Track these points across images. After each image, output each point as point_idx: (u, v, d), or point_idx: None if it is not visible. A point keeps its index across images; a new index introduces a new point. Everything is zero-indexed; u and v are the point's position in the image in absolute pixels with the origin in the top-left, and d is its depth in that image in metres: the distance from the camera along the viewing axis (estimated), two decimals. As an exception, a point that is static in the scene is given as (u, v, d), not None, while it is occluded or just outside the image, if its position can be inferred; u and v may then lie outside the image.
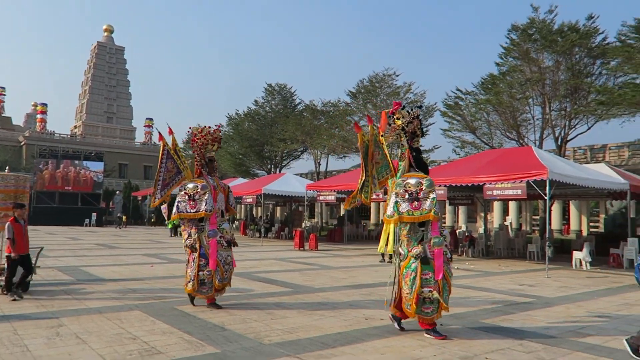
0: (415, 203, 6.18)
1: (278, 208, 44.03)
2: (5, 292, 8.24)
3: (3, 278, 8.44)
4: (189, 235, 7.64)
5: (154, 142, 77.74)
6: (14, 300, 7.92)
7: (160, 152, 8.40)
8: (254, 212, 48.13)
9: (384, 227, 6.52)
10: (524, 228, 36.25)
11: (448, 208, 40.99)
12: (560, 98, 24.54)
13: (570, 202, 34.33)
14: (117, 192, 52.78)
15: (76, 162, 45.14)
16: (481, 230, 25.23)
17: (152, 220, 45.42)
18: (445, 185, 16.37)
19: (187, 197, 7.65)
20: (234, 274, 11.80)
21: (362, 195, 6.89)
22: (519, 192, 14.08)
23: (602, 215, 33.48)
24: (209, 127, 8.21)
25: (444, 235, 6.33)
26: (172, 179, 8.42)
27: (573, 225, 36.19)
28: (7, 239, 8.21)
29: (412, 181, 6.32)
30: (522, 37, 24.97)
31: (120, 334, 5.97)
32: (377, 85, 33.68)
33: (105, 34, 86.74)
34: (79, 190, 44.35)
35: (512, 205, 37.81)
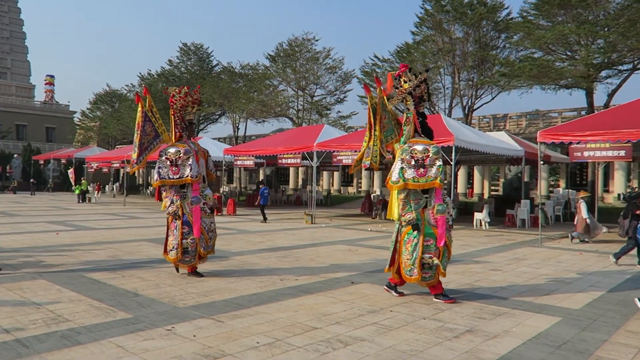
0: (421, 170, 6.09)
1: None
2: None
3: None
4: (172, 202, 7.31)
5: (57, 102, 71.89)
6: None
7: (139, 114, 7.73)
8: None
9: (391, 193, 6.51)
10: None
11: (364, 173, 42.37)
12: (468, 69, 25.93)
13: (475, 167, 36.86)
14: (15, 155, 48.59)
15: (-35, 122, 40.77)
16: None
17: (50, 186, 42.52)
18: (357, 150, 16.85)
19: (168, 162, 7.28)
20: (149, 239, 11.55)
21: (372, 160, 6.69)
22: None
23: (502, 180, 36.32)
24: (188, 88, 7.77)
25: (447, 203, 6.33)
26: (150, 142, 7.85)
27: (476, 189, 39.02)
28: None
29: (418, 147, 6.21)
30: (435, 7, 25.85)
31: (22, 303, 5.70)
32: (297, 50, 33.45)
33: (-5, -22, 77.40)
34: (-30, 153, 40.27)
35: (423, 170, 39.77)
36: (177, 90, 7.72)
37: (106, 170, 37.21)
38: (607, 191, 33.76)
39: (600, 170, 25.32)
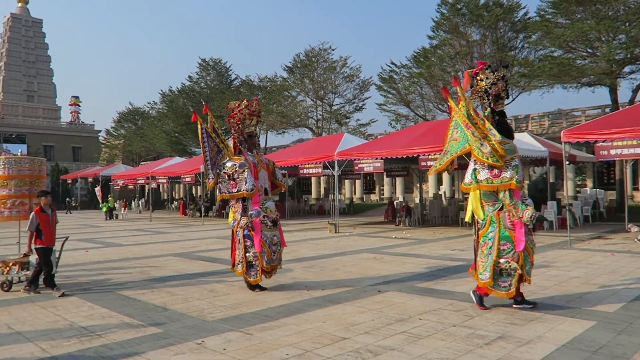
0: (496, 171, 5.84)
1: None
2: (27, 287, 7.60)
3: (29, 273, 7.82)
4: (241, 215, 7.32)
5: (82, 122, 73.73)
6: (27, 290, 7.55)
7: (200, 132, 7.80)
8: (194, 192, 47.22)
9: (470, 195, 6.23)
10: (457, 196, 38.05)
11: (386, 180, 42.21)
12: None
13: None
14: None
15: (-5, 145, 42.12)
16: (417, 200, 26.24)
17: (74, 204, 43.33)
18: (382, 158, 16.83)
19: (227, 176, 7.34)
20: (176, 253, 11.69)
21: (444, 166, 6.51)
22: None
23: (527, 182, 35.75)
24: (246, 101, 7.75)
25: (527, 204, 6.01)
26: (216, 157, 7.85)
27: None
28: (28, 230, 7.47)
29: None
30: (451, 11, 25.74)
31: (56, 322, 5.82)
32: (314, 60, 33.68)
33: (20, 4, 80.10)
34: (1, 175, 41.50)
35: (445, 175, 39.47)
36: (235, 104, 7.74)
37: (132, 187, 37.87)
38: (636, 189, 32.89)
39: (628, 168, 24.72)
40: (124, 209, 31.59)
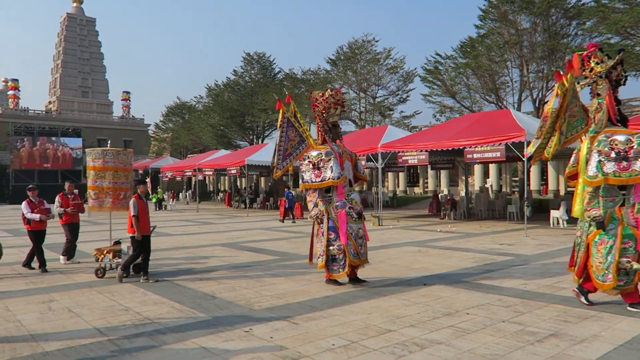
0: (624, 163, 5.42)
1: (262, 179, 44.04)
2: (125, 274, 7.77)
3: (120, 260, 8.10)
4: (315, 205, 7.15)
5: (133, 116, 76.36)
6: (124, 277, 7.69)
7: (280, 120, 7.55)
8: (238, 184, 48.10)
9: (577, 188, 5.94)
10: (504, 190, 37.02)
11: (430, 172, 41.54)
12: (537, 60, 24.73)
13: (549, 163, 35.07)
14: (98, 168, 52.00)
15: (53, 138, 44.26)
16: (462, 193, 25.70)
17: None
18: (426, 150, 16.58)
19: (311, 165, 7.11)
20: (223, 244, 11.95)
21: (544, 152, 6.12)
22: (498, 154, 14.36)
23: None
24: (331, 90, 7.55)
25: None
26: (294, 148, 7.66)
27: (551, 186, 37.07)
28: (133, 216, 7.72)
29: (620, 138, 5.50)
30: (500, -2, 24.87)
31: (112, 306, 6.10)
32: (357, 52, 33.44)
33: (75, 4, 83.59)
34: (59, 168, 43.65)
35: (492, 168, 38.46)
36: (319, 93, 7.56)
37: (179, 178, 38.97)
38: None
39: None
40: (172, 200, 32.58)
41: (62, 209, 9.43)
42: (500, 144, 14.22)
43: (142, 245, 7.78)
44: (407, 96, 34.30)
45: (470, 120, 17.77)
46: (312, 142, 7.57)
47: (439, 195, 24.50)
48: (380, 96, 34.46)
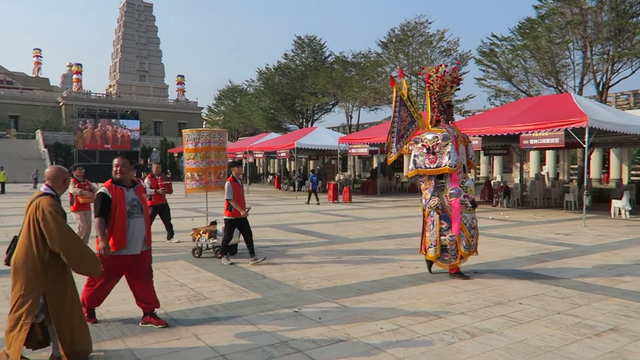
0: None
1: (311, 162, 44.32)
2: (219, 255, 7.82)
3: (216, 241, 8.09)
4: (432, 194, 6.65)
5: (187, 99, 78.47)
6: (231, 264, 7.51)
7: (394, 99, 6.97)
8: (288, 167, 48.64)
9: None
10: (561, 177, 35.49)
11: (483, 159, 40.39)
12: (602, 41, 23.31)
13: (611, 150, 33.25)
14: (154, 149, 54.06)
15: (113, 120, 46.29)
16: (517, 180, 24.88)
17: (168, 175, 45.88)
18: (479, 136, 16.10)
19: (425, 150, 6.59)
20: (272, 225, 12.14)
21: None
22: (557, 140, 13.73)
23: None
24: (445, 66, 6.96)
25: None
26: (406, 129, 7.07)
27: (613, 174, 35.16)
28: (226, 199, 7.56)
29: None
30: (563, -24, 23.55)
31: (168, 282, 6.37)
32: (409, 34, 32.74)
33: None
34: (118, 148, 45.66)
35: (549, 155, 36.89)
36: (433, 70, 6.91)
37: (230, 161, 39.86)
38: None
39: None
40: (224, 182, 33.43)
41: (153, 190, 9.42)
42: (559, 129, 13.60)
43: (239, 227, 7.61)
44: (461, 79, 33.34)
45: (527, 105, 17.07)
46: (422, 123, 6.94)
47: (492, 182, 23.81)
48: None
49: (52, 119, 62.43)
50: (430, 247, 6.69)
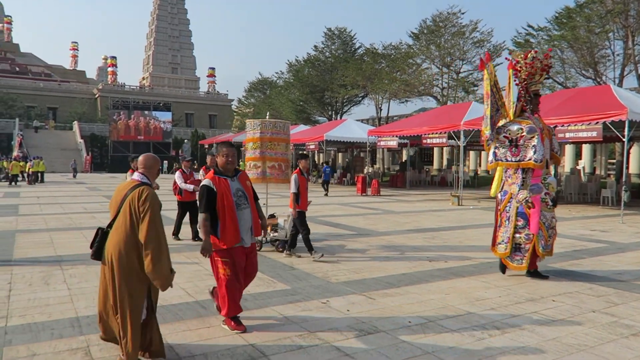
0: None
1: (340, 154, 44.27)
2: (280, 250, 7.78)
3: (276, 234, 7.95)
4: (520, 187, 6.21)
5: (218, 92, 79.35)
6: (288, 255, 7.46)
7: (488, 84, 6.35)
8: (316, 159, 48.72)
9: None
10: (597, 172, 34.39)
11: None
12: (646, 30, 22.41)
13: (652, 144, 32.00)
14: (185, 140, 54.98)
15: (146, 112, 47.28)
16: (551, 174, 24.23)
17: (195, 166, 46.58)
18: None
19: (507, 141, 6.26)
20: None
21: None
22: (595, 134, 13.30)
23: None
24: (535, 52, 6.52)
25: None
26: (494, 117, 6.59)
27: (654, 169, 33.87)
28: (292, 193, 7.38)
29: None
30: (604, -37, 22.70)
31: (198, 271, 6.48)
32: (441, 25, 32.17)
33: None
34: (150, 140, 46.69)
35: (585, 148, 35.76)
36: (522, 56, 6.47)
37: (301, 153, 40.19)
38: None
39: None
40: (253, 174, 33.71)
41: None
42: (597, 122, 13.17)
43: (301, 220, 7.44)
44: (551, 67, 32.60)
45: (563, 97, 16.58)
46: (507, 113, 6.46)
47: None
48: (464, 71, 33.07)
49: (88, 111, 64.19)
50: (500, 244, 6.37)
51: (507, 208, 6.32)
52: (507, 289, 5.74)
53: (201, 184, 4.21)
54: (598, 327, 4.43)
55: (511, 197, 6.29)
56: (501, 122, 6.39)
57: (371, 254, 7.84)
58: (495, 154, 6.38)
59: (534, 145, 6.05)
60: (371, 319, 4.57)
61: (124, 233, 3.31)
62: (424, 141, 19.65)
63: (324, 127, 28.75)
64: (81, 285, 5.69)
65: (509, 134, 6.25)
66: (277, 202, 13.98)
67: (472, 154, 42.63)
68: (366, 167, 31.15)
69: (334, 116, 42.72)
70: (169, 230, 9.86)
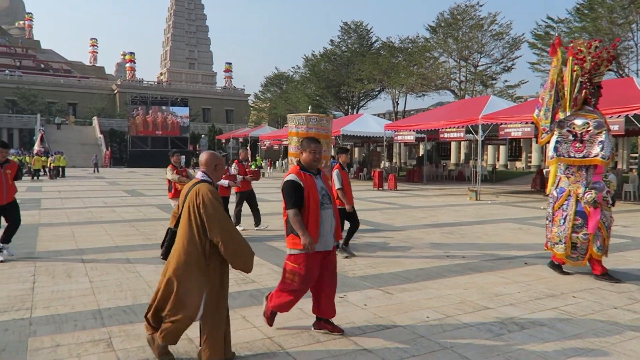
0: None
1: (356, 149, 44.16)
2: (343, 248, 7.32)
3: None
4: (585, 187, 5.91)
5: (234, 87, 79.70)
6: (346, 257, 7.05)
7: (556, 72, 6.09)
8: (333, 153, 48.72)
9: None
10: (619, 167, 33.72)
11: (535, 146, 38.97)
12: (671, 21, 21.87)
13: (677, 138, 31.28)
14: (202, 135, 55.40)
15: (163, 107, 47.73)
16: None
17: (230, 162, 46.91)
18: (532, 123, 15.49)
19: (571, 136, 5.94)
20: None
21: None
22: (617, 127, 13.02)
23: None
24: (599, 41, 6.26)
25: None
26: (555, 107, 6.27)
27: (679, 164, 33.11)
28: (338, 189, 7.10)
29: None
30: (628, -48, 22.17)
31: (217, 265, 6.54)
32: (459, 18, 31.80)
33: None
34: (168, 135, 47.15)
35: (607, 143, 35.05)
36: (585, 45, 6.08)
37: (276, 147, 40.33)
38: None
39: None
40: (270, 168, 33.87)
41: (241, 177, 9.29)
42: (619, 115, 12.91)
43: (349, 216, 7.20)
44: (513, 64, 32.17)
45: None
46: (565, 105, 6.10)
47: (544, 171, 22.95)
48: (482, 65, 32.70)
49: (108, 106, 65.06)
50: (558, 244, 6.07)
51: (564, 206, 6.01)
52: (527, 284, 5.68)
53: (287, 179, 3.95)
54: (620, 324, 4.36)
55: (569, 195, 6.00)
56: (560, 115, 6.07)
57: (388, 248, 7.82)
58: (556, 149, 6.01)
59: (601, 141, 5.74)
60: (389, 314, 4.57)
61: (183, 231, 3.33)
62: (441, 135, 19.49)
63: (341, 122, 28.68)
64: (102, 278, 5.79)
65: (573, 129, 5.90)
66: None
67: (490, 148, 42.14)
68: (383, 162, 31.02)
69: (350, 110, 42.62)
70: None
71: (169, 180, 8.44)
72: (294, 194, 3.86)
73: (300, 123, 8.41)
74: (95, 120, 55.71)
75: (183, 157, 8.75)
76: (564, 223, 6.00)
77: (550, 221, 6.23)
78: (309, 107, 10.02)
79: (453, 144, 45.71)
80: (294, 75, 50.62)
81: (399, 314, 4.57)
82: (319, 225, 3.88)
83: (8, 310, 4.60)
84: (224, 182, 8.70)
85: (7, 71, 66.13)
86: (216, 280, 3.37)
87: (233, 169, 9.31)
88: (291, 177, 3.94)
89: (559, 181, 6.18)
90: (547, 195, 6.43)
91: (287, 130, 34.27)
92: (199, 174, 3.54)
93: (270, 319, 4.14)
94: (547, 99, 6.12)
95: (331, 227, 3.99)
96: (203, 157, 3.56)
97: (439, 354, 3.68)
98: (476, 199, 16.38)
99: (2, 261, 6.53)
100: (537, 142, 6.38)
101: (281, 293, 4.00)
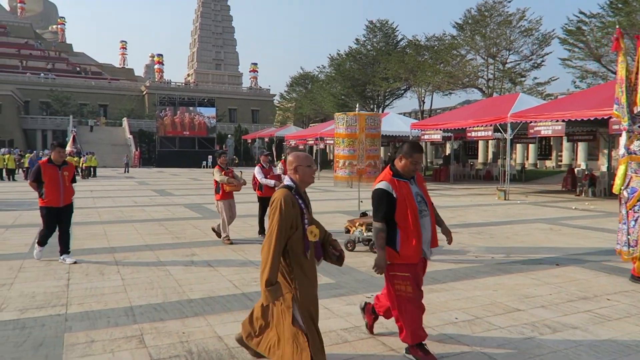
0: None
1: (382, 148, 43.94)
2: (375, 250, 7.54)
3: (371, 233, 7.35)
4: None
5: (260, 87, 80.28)
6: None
7: (624, 67, 5.93)
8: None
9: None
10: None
11: (565, 145, 38.08)
12: None
13: None
14: (229, 135, 56.00)
15: (190, 108, 48.43)
16: (603, 168, 23.26)
17: (237, 162, 46.82)
18: (563, 120, 15.16)
19: None
20: (343, 211, 12.19)
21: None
22: (653, 125, 12.61)
23: None
24: None
25: None
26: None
27: None
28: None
29: None
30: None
31: (245, 264, 6.61)
32: (487, 15, 31.25)
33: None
34: (195, 135, 47.83)
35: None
36: None
37: (302, 147, 40.48)
38: None
39: None
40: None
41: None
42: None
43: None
44: (542, 61, 31.42)
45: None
46: (636, 100, 5.84)
47: (575, 170, 22.41)
48: (511, 61, 32.05)
49: (137, 107, 66.44)
50: (631, 247, 5.77)
51: (636, 208, 5.68)
52: (558, 286, 5.56)
53: (377, 187, 3.58)
54: (657, 328, 4.23)
55: None
56: (635, 110, 5.79)
57: (415, 248, 7.75)
58: (627, 148, 5.73)
59: None
60: (416, 315, 4.53)
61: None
62: (469, 134, 19.21)
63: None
64: (134, 276, 5.92)
65: None
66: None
67: (518, 147, 41.35)
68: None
69: (375, 109, 42.41)
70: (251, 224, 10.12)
71: (216, 182, 8.18)
72: (383, 206, 3.50)
73: (354, 123, 8.03)
74: (125, 121, 56.94)
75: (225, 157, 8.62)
76: (636, 226, 5.66)
77: (624, 224, 5.84)
78: (357, 106, 9.66)
79: (480, 143, 44.98)
80: (319, 75, 50.67)
81: (427, 315, 4.51)
82: (421, 238, 3.53)
83: (45, 306, 4.76)
84: (270, 182, 8.48)
85: (41, 74, 68.31)
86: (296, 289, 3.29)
87: (278, 169, 9.02)
88: (382, 185, 3.55)
89: (629, 181, 5.78)
90: (618, 195, 6.00)
91: (312, 130, 34.30)
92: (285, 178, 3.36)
93: (424, 353, 3.58)
94: (621, 97, 5.84)
95: (429, 236, 3.66)
96: (287, 158, 3.38)
97: (468, 356, 3.64)
98: (505, 199, 16.11)
99: (74, 262, 6.60)
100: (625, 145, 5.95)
101: (396, 311, 3.66)
